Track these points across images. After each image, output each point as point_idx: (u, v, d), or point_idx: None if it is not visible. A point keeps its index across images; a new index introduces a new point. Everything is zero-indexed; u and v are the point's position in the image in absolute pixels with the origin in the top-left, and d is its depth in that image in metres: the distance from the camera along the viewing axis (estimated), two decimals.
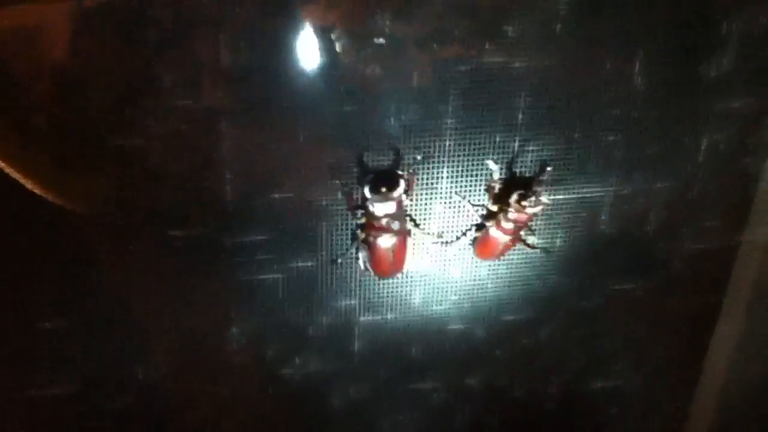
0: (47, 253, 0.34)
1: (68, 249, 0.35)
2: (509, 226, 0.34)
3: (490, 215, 0.34)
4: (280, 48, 0.30)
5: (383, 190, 0.32)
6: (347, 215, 0.34)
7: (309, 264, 0.35)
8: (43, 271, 0.35)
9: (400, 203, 0.33)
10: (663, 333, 0.41)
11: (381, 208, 0.32)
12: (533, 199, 0.33)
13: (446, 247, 0.36)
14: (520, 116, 0.33)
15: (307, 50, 0.30)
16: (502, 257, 0.36)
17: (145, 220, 0.34)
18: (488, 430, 0.42)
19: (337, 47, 0.31)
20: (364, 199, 0.32)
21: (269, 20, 0.30)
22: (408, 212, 0.34)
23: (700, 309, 0.41)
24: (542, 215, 0.35)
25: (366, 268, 0.35)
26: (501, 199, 0.34)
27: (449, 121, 0.33)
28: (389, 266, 0.35)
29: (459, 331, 0.39)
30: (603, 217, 0.36)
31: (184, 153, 0.33)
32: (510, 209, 0.33)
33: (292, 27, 0.30)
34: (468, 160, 0.34)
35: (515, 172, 0.34)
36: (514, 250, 0.36)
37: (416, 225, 0.35)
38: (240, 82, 0.31)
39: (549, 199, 0.34)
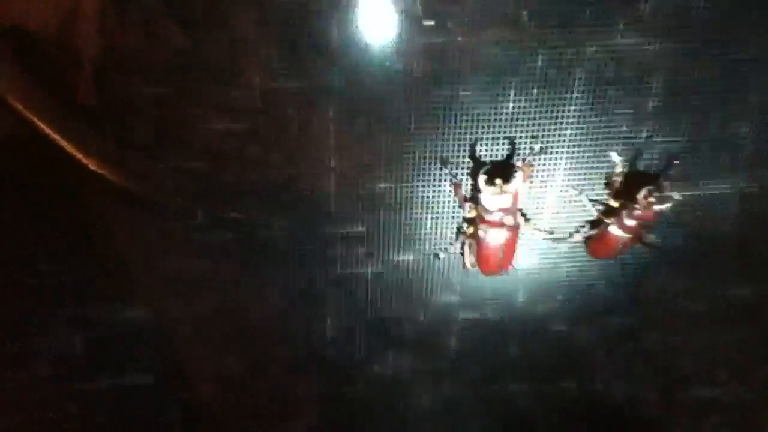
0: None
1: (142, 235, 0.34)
2: (632, 223, 0.31)
3: (610, 212, 0.32)
4: (385, 34, 0.28)
5: (498, 182, 0.29)
6: (453, 208, 0.32)
7: (410, 258, 0.33)
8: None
9: (515, 197, 0.30)
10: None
11: (495, 202, 0.30)
12: (661, 195, 0.30)
13: (557, 244, 0.34)
14: (650, 104, 0.30)
15: (414, 35, 0.28)
16: (618, 257, 0.33)
17: (238, 208, 0.33)
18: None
19: (449, 29, 0.28)
20: (476, 191, 0.30)
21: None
22: (520, 207, 0.32)
23: None
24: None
25: (471, 265, 0.33)
26: (623, 194, 0.31)
27: (571, 108, 0.30)
28: (497, 263, 0.32)
29: (562, 333, 0.36)
30: (725, 217, 0.34)
31: (283, 139, 0.31)
32: (636, 205, 0.30)
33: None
34: (589, 152, 0.31)
35: (640, 166, 0.31)
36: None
37: (527, 220, 0.32)
38: (345, 68, 0.29)
39: (680, 196, 0.31)
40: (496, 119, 0.30)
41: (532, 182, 0.32)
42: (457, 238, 0.33)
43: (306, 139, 0.30)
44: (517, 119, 0.30)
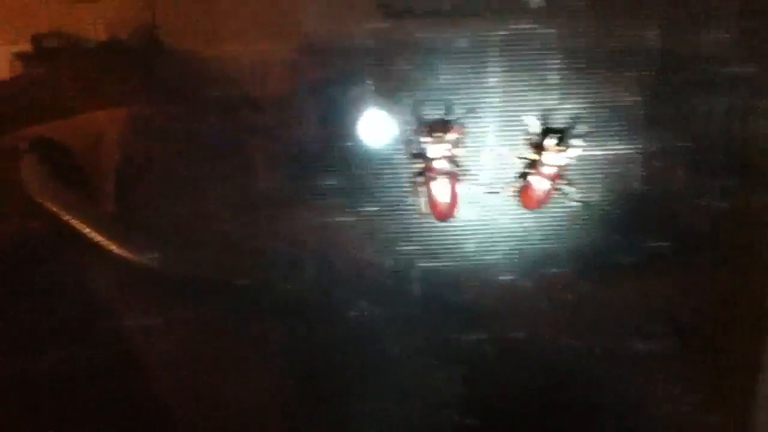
0: None
1: None
2: (547, 170, 0.39)
3: (530, 164, 0.40)
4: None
5: (437, 133, 0.38)
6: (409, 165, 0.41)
7: (375, 209, 0.41)
8: None
9: (452, 148, 0.39)
10: (693, 297, 0.44)
11: (436, 150, 0.38)
12: (568, 143, 0.38)
13: (494, 194, 0.41)
14: (555, 77, 0.39)
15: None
16: (543, 206, 0.41)
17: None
18: (528, 383, 0.45)
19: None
20: (422, 144, 0.39)
21: None
22: (458, 161, 0.40)
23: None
24: (578, 168, 0.40)
25: (425, 210, 0.41)
26: (539, 147, 0.39)
27: (492, 80, 0.39)
28: (445, 207, 0.40)
29: (507, 282, 0.43)
30: (635, 174, 0.41)
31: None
32: (546, 152, 0.38)
33: None
34: (512, 115, 0.40)
35: (551, 126, 0.40)
36: (556, 204, 0.41)
37: (466, 172, 0.41)
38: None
39: (583, 145, 0.39)
40: (437, 88, 0.39)
41: (466, 141, 0.40)
42: (412, 189, 0.41)
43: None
44: (451, 88, 0.39)
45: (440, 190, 0.40)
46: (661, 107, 0.40)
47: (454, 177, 0.40)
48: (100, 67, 0.37)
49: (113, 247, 0.40)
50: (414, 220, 0.42)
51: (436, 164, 0.39)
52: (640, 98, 0.40)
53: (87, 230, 0.39)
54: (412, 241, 0.42)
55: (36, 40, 0.36)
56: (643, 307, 0.44)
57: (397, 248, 0.42)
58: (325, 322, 0.44)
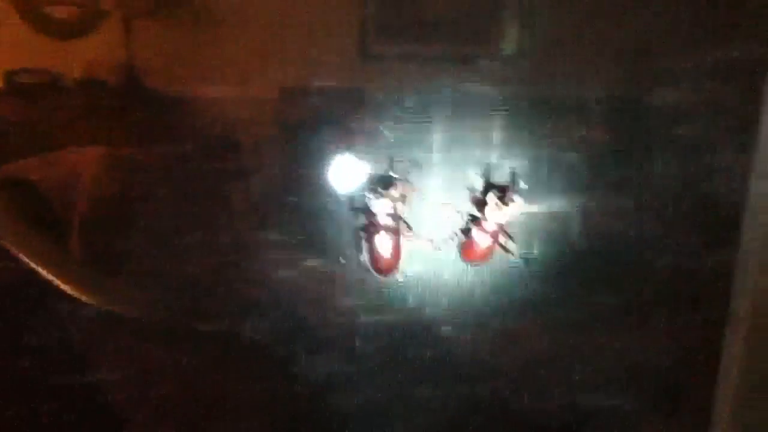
0: None
1: None
2: (489, 226, 0.39)
3: (473, 219, 0.40)
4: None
5: (381, 189, 0.38)
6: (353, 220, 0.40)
7: (317, 263, 0.41)
8: None
9: (395, 204, 0.39)
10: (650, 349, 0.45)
11: (379, 206, 0.38)
12: (510, 199, 0.38)
13: (438, 250, 0.41)
14: (495, 135, 0.40)
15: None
16: (485, 261, 0.41)
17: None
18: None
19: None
20: (366, 199, 0.39)
21: None
22: (402, 216, 0.40)
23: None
24: (520, 224, 0.41)
25: (366, 264, 0.40)
26: (482, 203, 0.40)
27: (436, 136, 0.40)
28: (387, 263, 0.40)
29: (449, 335, 0.43)
30: (574, 231, 0.42)
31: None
32: (488, 208, 0.39)
33: None
34: (455, 171, 0.40)
35: (493, 183, 0.40)
36: (498, 259, 0.41)
37: (410, 228, 0.40)
38: None
39: (523, 201, 0.39)
40: (380, 145, 0.40)
41: (410, 197, 0.40)
42: (356, 243, 0.41)
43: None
44: (396, 145, 0.40)
45: (383, 244, 0.39)
46: (604, 165, 0.41)
47: (397, 232, 0.39)
48: (74, 105, 0.37)
49: (78, 293, 0.38)
50: (356, 275, 0.41)
51: (379, 219, 0.39)
52: (583, 155, 0.41)
53: (52, 276, 0.38)
54: (353, 295, 0.42)
55: (10, 76, 0.36)
56: (591, 361, 0.44)
57: (338, 303, 0.42)
58: (269, 374, 0.43)
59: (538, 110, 0.40)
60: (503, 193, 0.39)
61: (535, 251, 0.42)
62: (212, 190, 0.39)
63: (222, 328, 0.41)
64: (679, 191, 0.42)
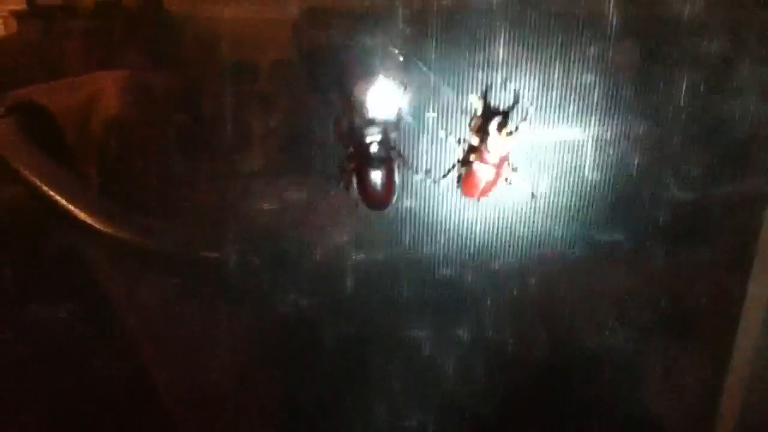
0: None
1: None
2: (491, 157, 0.35)
3: (473, 149, 0.36)
4: None
5: (371, 116, 0.34)
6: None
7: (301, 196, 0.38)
8: None
9: (386, 132, 0.35)
10: (651, 290, 0.41)
11: (369, 134, 0.34)
12: (513, 127, 0.34)
13: (434, 185, 0.38)
14: (501, 54, 0.35)
15: None
16: (486, 195, 0.37)
17: None
18: (471, 376, 0.42)
19: None
20: (353, 127, 0.35)
21: None
22: (394, 145, 0.36)
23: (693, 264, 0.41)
24: (525, 154, 0.37)
25: (356, 199, 0.37)
26: (483, 131, 0.35)
27: (434, 54, 0.35)
28: (378, 196, 0.36)
29: (446, 277, 0.40)
30: (586, 161, 0.38)
31: None
32: (490, 138, 0.35)
33: None
34: (452, 96, 0.36)
35: (497, 108, 0.36)
36: (500, 191, 0.37)
37: (404, 161, 0.37)
38: None
39: (528, 129, 0.35)
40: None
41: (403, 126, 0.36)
42: (341, 176, 0.37)
43: None
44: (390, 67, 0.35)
45: (374, 176, 0.36)
46: (620, 88, 0.36)
47: (390, 162, 0.36)
48: (91, 28, 0.35)
49: (91, 220, 0.37)
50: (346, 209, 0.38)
51: (371, 149, 0.35)
52: (597, 77, 0.36)
53: (62, 200, 0.36)
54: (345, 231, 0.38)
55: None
56: (594, 301, 0.41)
57: (329, 238, 0.39)
58: (259, 309, 0.40)
59: (547, 24, 0.35)
60: (507, 119, 0.35)
61: (544, 184, 0.38)
62: (229, 114, 0.36)
63: (228, 256, 0.39)
64: (703, 116, 0.37)
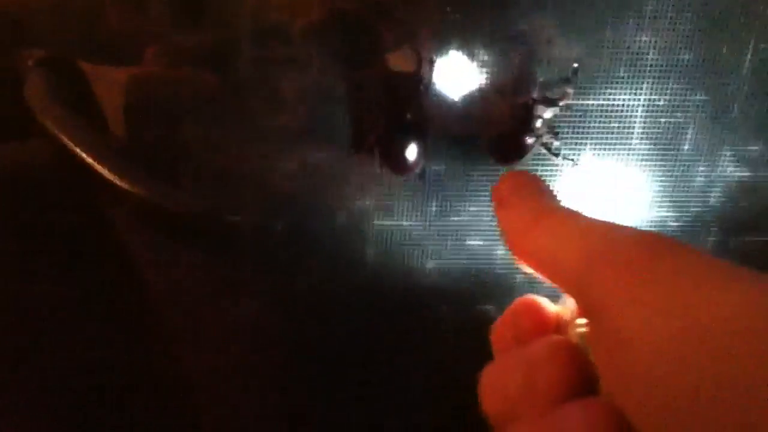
0: None
1: None
2: (534, 122, 0.32)
3: (513, 115, 0.33)
4: None
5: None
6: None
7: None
8: None
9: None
10: None
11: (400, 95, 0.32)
12: (557, 90, 0.31)
13: (466, 150, 0.35)
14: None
15: None
16: (521, 160, 0.34)
17: None
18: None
19: None
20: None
21: None
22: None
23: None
24: (567, 119, 0.34)
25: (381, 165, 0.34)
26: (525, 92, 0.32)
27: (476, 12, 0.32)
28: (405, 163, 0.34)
29: (476, 247, 0.37)
30: (636, 130, 0.35)
31: None
32: (533, 101, 0.32)
33: None
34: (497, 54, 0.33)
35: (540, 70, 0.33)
36: (537, 158, 0.35)
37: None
38: None
39: (573, 91, 0.32)
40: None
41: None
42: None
43: None
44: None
45: (401, 140, 0.33)
46: (674, 52, 0.33)
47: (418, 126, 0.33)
48: None
49: (116, 179, 0.35)
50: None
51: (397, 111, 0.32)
52: (650, 40, 0.33)
53: (88, 157, 0.35)
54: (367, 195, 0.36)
55: None
56: None
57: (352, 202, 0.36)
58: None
59: None
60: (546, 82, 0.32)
61: (584, 151, 0.35)
62: (258, 79, 0.34)
63: (252, 219, 0.37)
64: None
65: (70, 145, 0.34)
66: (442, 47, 0.32)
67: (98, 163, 0.34)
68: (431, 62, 0.32)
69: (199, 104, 0.34)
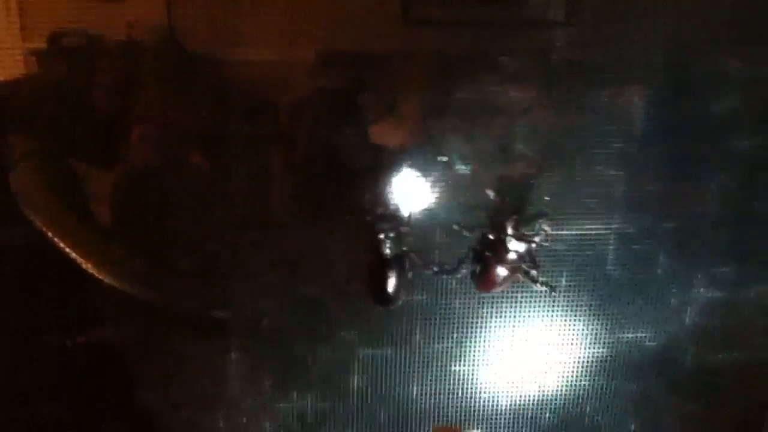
0: None
1: None
2: (509, 256, 0.33)
3: (489, 245, 0.34)
4: None
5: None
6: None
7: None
8: None
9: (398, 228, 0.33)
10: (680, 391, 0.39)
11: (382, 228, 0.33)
12: (534, 227, 0.33)
13: (446, 277, 0.36)
14: (518, 147, 0.34)
15: None
16: (502, 289, 0.35)
17: None
18: None
19: None
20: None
21: None
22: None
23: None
24: (545, 249, 0.35)
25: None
26: (501, 228, 0.34)
27: (452, 145, 0.34)
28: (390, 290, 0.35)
29: (460, 373, 0.37)
30: (609, 257, 0.36)
31: None
32: (509, 237, 0.33)
33: None
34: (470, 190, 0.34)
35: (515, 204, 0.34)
36: (518, 287, 0.35)
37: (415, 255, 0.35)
38: None
39: (550, 228, 0.33)
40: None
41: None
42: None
43: None
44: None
45: (384, 272, 0.34)
46: (643, 184, 0.35)
47: (404, 257, 0.34)
48: (115, 68, 0.34)
49: (91, 268, 0.35)
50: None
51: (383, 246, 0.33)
52: (619, 173, 0.34)
53: (68, 249, 0.35)
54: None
55: (51, 38, 0.33)
56: (619, 403, 0.39)
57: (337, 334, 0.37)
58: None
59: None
60: (525, 218, 0.33)
61: (562, 279, 0.36)
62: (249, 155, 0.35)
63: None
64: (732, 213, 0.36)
65: (55, 236, 0.34)
66: None
67: (77, 254, 0.35)
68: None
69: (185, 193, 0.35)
